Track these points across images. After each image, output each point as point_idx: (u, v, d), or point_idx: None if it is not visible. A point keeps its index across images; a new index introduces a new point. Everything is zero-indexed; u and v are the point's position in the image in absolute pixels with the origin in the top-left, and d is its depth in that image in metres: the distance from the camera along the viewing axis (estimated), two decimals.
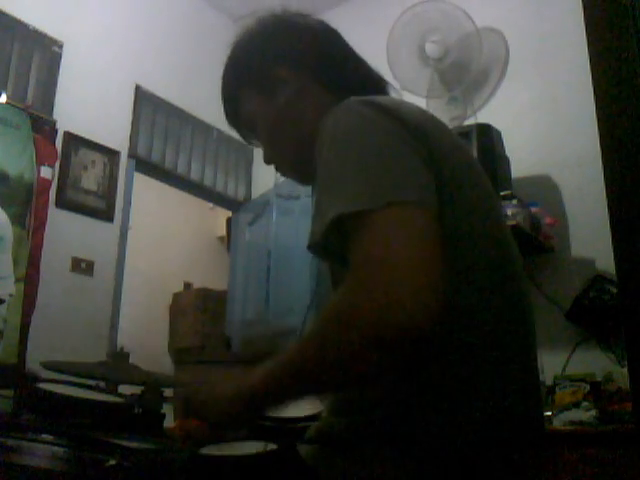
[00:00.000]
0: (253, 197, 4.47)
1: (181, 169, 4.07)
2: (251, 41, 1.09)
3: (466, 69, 3.22)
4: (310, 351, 0.75)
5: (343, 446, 0.81)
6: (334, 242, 0.77)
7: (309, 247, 0.81)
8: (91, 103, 3.47)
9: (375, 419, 0.80)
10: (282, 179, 3.94)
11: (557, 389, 2.60)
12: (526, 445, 0.84)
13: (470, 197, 0.86)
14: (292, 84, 1.03)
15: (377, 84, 1.09)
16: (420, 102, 3.11)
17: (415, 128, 0.83)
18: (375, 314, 0.68)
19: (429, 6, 3.11)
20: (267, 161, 1.10)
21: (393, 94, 1.09)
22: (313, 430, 0.90)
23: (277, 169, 1.11)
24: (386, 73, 1.15)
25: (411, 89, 3.25)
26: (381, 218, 0.72)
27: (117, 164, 3.56)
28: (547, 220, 2.88)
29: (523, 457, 0.83)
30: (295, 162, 1.06)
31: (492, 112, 3.29)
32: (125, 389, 1.51)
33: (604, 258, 2.62)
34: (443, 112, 3.30)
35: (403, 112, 0.85)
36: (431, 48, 3.26)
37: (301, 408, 1.18)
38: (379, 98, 0.89)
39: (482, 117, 3.22)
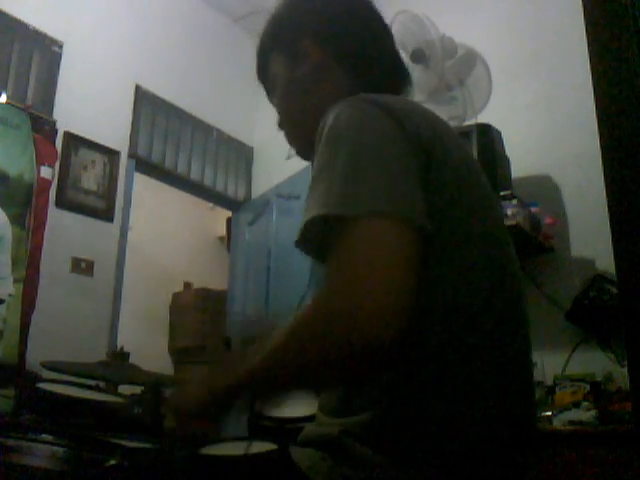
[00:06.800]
0: (253, 197, 4.47)
1: (181, 169, 4.07)
2: (290, 6, 1.10)
3: (438, 73, 3.24)
4: (281, 354, 0.76)
5: (336, 448, 0.80)
6: (319, 240, 0.77)
7: (295, 243, 0.81)
8: (91, 103, 3.47)
9: (370, 420, 0.80)
10: (282, 179, 3.94)
11: (557, 389, 2.60)
12: (524, 445, 0.84)
13: (470, 197, 0.86)
14: (314, 58, 1.04)
15: (398, 77, 1.08)
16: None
17: (416, 131, 0.82)
18: (342, 322, 0.69)
19: (402, 17, 3.13)
20: (279, 125, 1.11)
21: (410, 90, 1.09)
22: (305, 432, 0.90)
23: (285, 136, 1.12)
24: None
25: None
26: (361, 227, 0.72)
27: (117, 164, 3.57)
28: (547, 220, 2.88)
29: (521, 457, 0.83)
30: (300, 134, 1.07)
31: (492, 112, 3.29)
32: (125, 389, 1.51)
33: (604, 258, 2.61)
34: (442, 112, 3.30)
35: (406, 113, 0.84)
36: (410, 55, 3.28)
37: (300, 408, 1.18)
38: (386, 97, 0.88)
39: (482, 117, 3.22)
